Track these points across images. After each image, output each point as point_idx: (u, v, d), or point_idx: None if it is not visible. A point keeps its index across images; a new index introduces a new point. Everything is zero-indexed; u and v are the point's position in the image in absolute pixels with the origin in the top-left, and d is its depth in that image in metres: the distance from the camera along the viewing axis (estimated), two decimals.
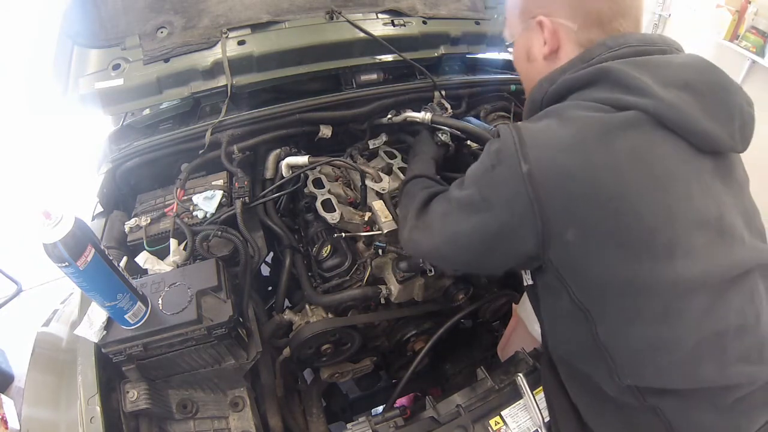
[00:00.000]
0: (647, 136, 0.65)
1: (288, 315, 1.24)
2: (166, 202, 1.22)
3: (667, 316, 0.66)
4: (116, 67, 1.31)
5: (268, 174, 1.37)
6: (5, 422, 1.80)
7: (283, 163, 1.30)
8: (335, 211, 1.22)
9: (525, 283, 0.85)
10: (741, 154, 0.77)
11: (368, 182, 1.28)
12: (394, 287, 1.23)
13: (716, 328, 0.68)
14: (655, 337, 0.68)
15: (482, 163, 0.72)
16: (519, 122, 0.73)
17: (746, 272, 0.70)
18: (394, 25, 1.54)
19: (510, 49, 0.89)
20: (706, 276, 0.66)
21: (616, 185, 0.63)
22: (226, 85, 1.35)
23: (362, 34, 1.44)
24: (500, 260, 0.76)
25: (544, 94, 0.77)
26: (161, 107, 1.45)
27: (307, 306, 1.24)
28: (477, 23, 1.69)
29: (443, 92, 1.56)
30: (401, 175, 1.34)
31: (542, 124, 0.69)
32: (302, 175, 1.33)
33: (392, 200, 1.23)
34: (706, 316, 0.67)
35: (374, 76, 1.57)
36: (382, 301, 1.25)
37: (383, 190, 1.24)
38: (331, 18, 1.46)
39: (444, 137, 1.29)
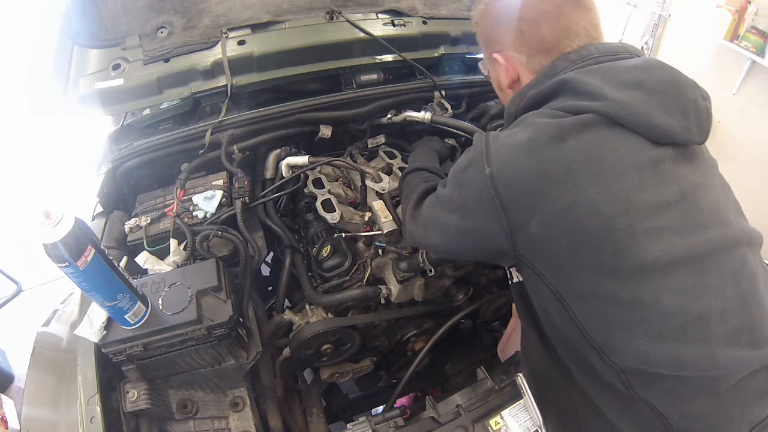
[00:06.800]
0: (599, 135, 0.70)
1: (288, 315, 1.24)
2: (166, 202, 1.22)
3: (642, 299, 0.68)
4: (116, 67, 1.31)
5: (268, 174, 1.37)
6: (5, 422, 1.80)
7: (283, 163, 1.31)
8: (335, 211, 1.22)
9: (515, 279, 0.89)
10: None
11: (368, 182, 1.28)
12: (394, 287, 1.23)
13: (698, 309, 0.68)
14: (632, 319, 0.69)
15: (459, 164, 0.80)
16: (492, 131, 0.81)
17: (723, 249, 0.71)
18: (394, 25, 1.54)
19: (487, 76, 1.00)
20: (674, 255, 0.68)
21: (569, 179, 0.68)
22: (226, 85, 1.35)
23: (362, 34, 1.44)
24: (480, 252, 0.83)
25: (516, 108, 0.84)
26: (161, 107, 1.45)
27: (307, 306, 1.24)
28: None
29: (443, 92, 1.56)
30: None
31: (508, 132, 0.76)
32: (302, 175, 1.33)
33: (392, 200, 1.23)
34: (683, 298, 0.68)
35: (374, 76, 1.56)
36: (382, 301, 1.25)
37: (383, 190, 1.24)
38: (331, 18, 1.46)
39: (451, 141, 1.37)
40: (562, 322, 0.76)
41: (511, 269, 0.90)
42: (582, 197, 0.67)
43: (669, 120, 0.71)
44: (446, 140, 1.42)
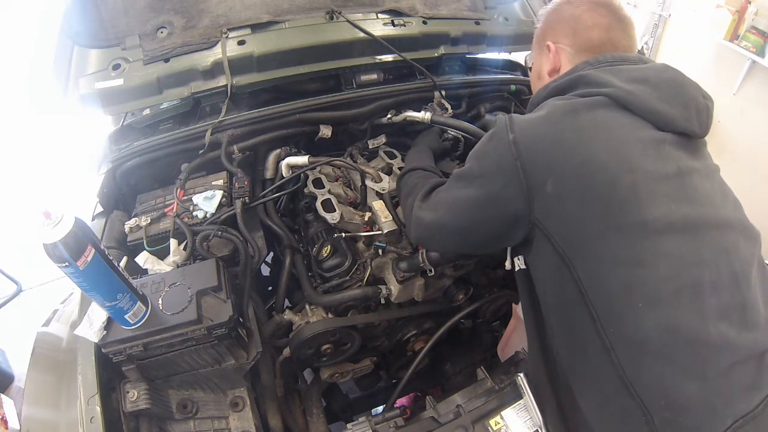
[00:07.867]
0: (607, 113, 0.80)
1: (288, 315, 1.24)
2: (166, 202, 1.22)
3: (641, 258, 0.74)
4: (116, 67, 1.31)
5: (268, 174, 1.37)
6: (5, 422, 1.80)
7: (283, 163, 1.31)
8: (335, 211, 1.22)
9: (517, 268, 0.96)
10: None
11: (368, 182, 1.28)
12: (394, 287, 1.23)
13: (691, 277, 0.74)
14: (632, 279, 0.74)
15: (481, 142, 0.89)
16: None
17: (717, 227, 0.79)
18: (394, 25, 1.53)
19: (530, 71, 1.12)
20: (671, 219, 0.75)
21: (581, 144, 0.78)
22: (226, 85, 1.35)
23: (362, 34, 1.44)
24: (494, 224, 0.87)
25: (539, 98, 0.95)
26: (161, 107, 1.45)
27: (307, 306, 1.24)
28: (477, 23, 1.69)
29: (443, 92, 1.56)
30: None
31: (529, 113, 0.88)
32: (302, 175, 1.33)
33: (392, 200, 1.23)
34: (679, 263, 0.74)
35: (374, 76, 1.56)
36: (382, 301, 1.25)
37: (383, 190, 1.24)
38: (331, 18, 1.45)
39: (453, 132, 1.36)
40: (565, 293, 0.80)
41: (515, 258, 0.97)
42: (593, 157, 0.77)
43: (670, 109, 0.81)
44: (447, 133, 1.40)
